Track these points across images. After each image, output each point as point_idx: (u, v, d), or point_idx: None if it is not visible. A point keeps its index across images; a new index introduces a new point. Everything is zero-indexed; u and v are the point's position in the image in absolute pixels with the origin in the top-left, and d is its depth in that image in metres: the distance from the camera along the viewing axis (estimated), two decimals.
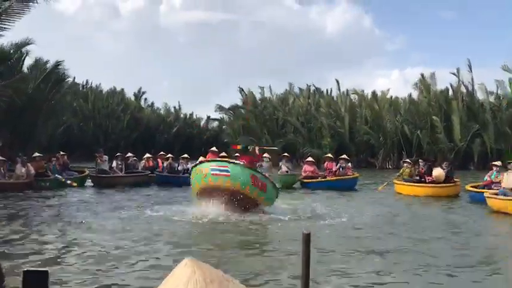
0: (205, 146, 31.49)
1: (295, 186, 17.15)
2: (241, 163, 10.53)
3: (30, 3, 16.21)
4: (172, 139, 42.39)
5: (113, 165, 17.75)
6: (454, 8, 71.85)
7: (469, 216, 11.09)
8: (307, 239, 0.97)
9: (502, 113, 30.20)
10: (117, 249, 7.01)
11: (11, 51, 21.17)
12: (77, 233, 8.20)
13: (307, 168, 17.72)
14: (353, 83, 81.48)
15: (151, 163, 18.82)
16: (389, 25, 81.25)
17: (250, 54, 74.48)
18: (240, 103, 38.30)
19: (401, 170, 17.13)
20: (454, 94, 31.41)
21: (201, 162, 11.06)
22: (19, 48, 21.71)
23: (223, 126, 43.11)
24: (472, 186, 13.94)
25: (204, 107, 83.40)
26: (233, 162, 10.47)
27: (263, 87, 37.90)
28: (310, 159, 18.53)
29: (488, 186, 13.25)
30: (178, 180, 16.95)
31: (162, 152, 19.99)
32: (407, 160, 17.93)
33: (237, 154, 15.10)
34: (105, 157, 17.89)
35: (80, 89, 39.75)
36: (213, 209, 10.21)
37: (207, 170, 10.22)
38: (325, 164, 17.84)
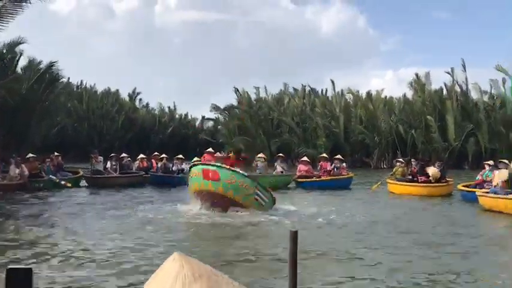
0: (201, 147, 31.44)
1: (290, 186, 17.17)
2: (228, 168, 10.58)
3: (23, 3, 16.16)
4: (167, 140, 42.26)
5: (107, 166, 17.72)
6: (448, 8, 72.19)
7: (461, 214, 11.20)
8: (294, 237, 0.97)
9: (495, 113, 30.37)
10: (108, 248, 7.02)
11: (4, 51, 21.05)
12: (68, 232, 8.18)
13: (302, 168, 17.75)
14: (348, 83, 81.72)
15: (145, 164, 18.77)
16: (384, 25, 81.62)
17: (245, 54, 74.48)
18: (235, 103, 38.29)
19: (394, 170, 17.21)
20: (448, 94, 31.54)
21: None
22: (12, 48, 21.59)
23: (219, 127, 43.06)
24: (464, 186, 14.02)
25: (199, 107, 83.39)
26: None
27: (258, 88, 37.94)
28: (305, 158, 18.55)
29: (480, 185, 13.35)
30: (172, 181, 16.93)
31: (156, 153, 19.96)
32: (400, 160, 18.02)
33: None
34: (100, 158, 17.87)
35: (74, 89, 39.58)
36: (205, 209, 10.31)
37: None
38: (320, 164, 17.88)
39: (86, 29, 71.85)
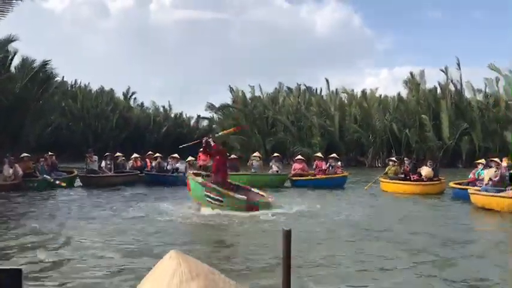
0: (196, 146, 31.35)
1: (285, 185, 17.19)
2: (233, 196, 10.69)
3: (13, 1, 16.03)
4: (162, 139, 42.16)
5: (102, 165, 17.68)
6: (443, 7, 72.37)
7: (454, 213, 11.26)
8: (287, 235, 0.97)
9: (489, 111, 30.52)
10: (102, 247, 7.01)
11: None
12: (62, 232, 8.16)
13: (296, 167, 17.77)
14: (342, 82, 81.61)
15: (139, 163, 18.73)
16: (379, 24, 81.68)
17: (240, 53, 74.37)
18: (230, 102, 38.25)
19: (387, 169, 17.28)
20: (443, 92, 31.66)
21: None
22: (4, 46, 21.45)
23: (213, 126, 42.98)
24: (456, 183, 14.10)
25: (194, 106, 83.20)
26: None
27: (253, 86, 37.93)
28: (299, 157, 18.57)
29: (472, 183, 13.45)
30: (167, 180, 16.91)
31: (150, 152, 19.90)
32: (392, 159, 18.08)
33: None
34: (95, 157, 17.81)
35: (69, 88, 39.38)
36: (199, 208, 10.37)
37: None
38: (315, 163, 17.91)
39: (80, 27, 71.53)
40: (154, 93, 77.70)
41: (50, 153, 17.68)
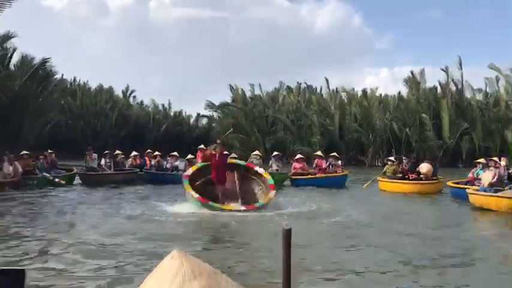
0: (195, 144, 31.38)
1: (285, 184, 17.18)
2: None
3: None
4: (161, 137, 42.20)
5: (101, 163, 17.67)
6: (442, 6, 72.45)
7: (451, 212, 11.28)
8: (287, 235, 0.95)
9: (489, 111, 30.53)
10: (102, 246, 6.97)
11: None
12: (61, 231, 8.11)
13: (296, 166, 17.75)
14: (342, 81, 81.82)
15: (138, 161, 18.72)
16: (379, 24, 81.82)
17: (240, 51, 74.43)
18: (230, 101, 38.27)
19: (385, 168, 17.27)
20: (443, 92, 31.66)
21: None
22: (3, 43, 21.43)
23: (213, 124, 43.03)
24: (454, 183, 14.09)
25: (193, 105, 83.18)
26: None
27: (253, 84, 37.93)
28: (299, 156, 18.57)
29: (471, 182, 13.43)
30: (166, 178, 16.89)
31: (149, 150, 19.89)
32: (391, 158, 18.02)
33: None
34: (95, 155, 17.81)
35: (68, 86, 39.37)
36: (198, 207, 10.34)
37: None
38: (315, 162, 17.90)
39: (79, 25, 71.56)
40: (154, 92, 77.70)
41: (49, 150, 17.68)
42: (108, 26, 73.88)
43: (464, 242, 7.85)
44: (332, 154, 18.15)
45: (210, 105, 38.35)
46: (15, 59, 23.24)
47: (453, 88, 31.66)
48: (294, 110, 35.09)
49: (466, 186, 12.85)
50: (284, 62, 68.77)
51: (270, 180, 11.60)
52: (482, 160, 14.31)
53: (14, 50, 22.96)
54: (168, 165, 18.13)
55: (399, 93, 34.35)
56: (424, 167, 15.05)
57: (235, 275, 5.36)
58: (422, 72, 32.47)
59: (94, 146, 20.76)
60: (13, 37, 21.81)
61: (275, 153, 19.06)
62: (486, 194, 11.18)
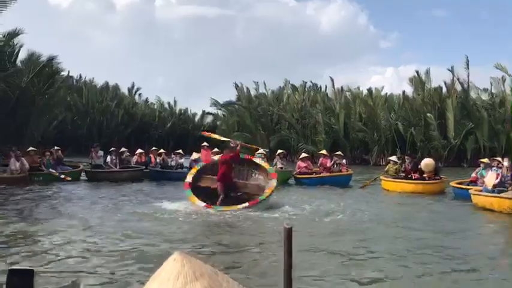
0: (200, 142, 31.44)
1: (290, 182, 17.19)
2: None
3: None
4: (166, 135, 42.25)
5: (107, 160, 17.76)
6: (448, 5, 71.97)
7: (454, 213, 11.23)
8: (289, 234, 0.99)
9: (495, 111, 30.33)
10: (104, 246, 7.02)
11: (3, 43, 20.98)
12: (64, 230, 8.16)
13: (301, 164, 17.75)
14: (347, 80, 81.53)
15: (143, 158, 18.79)
16: (385, 22, 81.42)
17: (245, 49, 74.32)
18: (235, 99, 38.24)
19: (387, 168, 17.24)
20: (448, 91, 31.47)
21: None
22: (10, 39, 21.51)
23: (218, 122, 43.01)
24: (458, 183, 14.04)
25: (199, 103, 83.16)
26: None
27: (257, 82, 37.85)
28: (304, 155, 18.57)
29: (474, 183, 13.39)
30: (171, 176, 16.95)
31: (154, 148, 19.96)
32: (392, 159, 17.95)
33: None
34: (101, 152, 17.91)
35: (74, 83, 39.45)
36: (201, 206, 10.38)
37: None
38: (320, 160, 17.89)
39: (85, 22, 71.70)
40: (159, 89, 77.99)
41: (56, 147, 17.79)
42: (114, 23, 74.03)
43: (466, 242, 7.88)
44: (337, 153, 18.14)
45: (215, 103, 38.34)
46: (21, 55, 23.34)
47: (459, 88, 31.46)
48: (299, 109, 35.01)
49: (468, 187, 12.82)
50: (289, 61, 68.67)
51: (270, 169, 11.94)
52: (485, 160, 14.26)
53: (21, 46, 23.04)
54: (173, 163, 18.21)
55: (404, 92, 34.20)
56: (425, 161, 15.05)
57: (236, 275, 5.40)
58: (427, 72, 32.29)
59: (99, 143, 20.84)
60: (20, 34, 21.90)
61: (279, 151, 19.06)
62: (489, 194, 11.16)
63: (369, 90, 33.91)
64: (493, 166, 12.29)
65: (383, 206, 12.15)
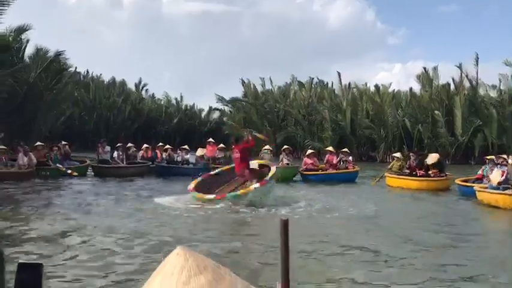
0: (206, 138, 31.54)
1: (296, 179, 17.19)
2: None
3: None
4: (173, 130, 42.36)
5: (114, 156, 17.85)
6: (457, 1, 71.44)
7: (458, 209, 11.22)
8: (285, 225, 0.98)
9: (504, 108, 30.09)
10: (108, 241, 7.04)
11: (11, 38, 21.10)
12: (72, 225, 8.19)
13: (307, 161, 17.75)
14: (354, 76, 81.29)
15: (150, 154, 18.88)
16: (392, 18, 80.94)
17: (251, 46, 74.25)
18: (241, 95, 38.26)
19: (391, 164, 17.19)
20: (456, 88, 31.27)
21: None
22: (18, 34, 21.63)
23: (224, 118, 43.05)
24: (463, 180, 14.00)
25: (205, 99, 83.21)
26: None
27: (263, 78, 37.80)
28: (310, 151, 18.55)
29: (479, 180, 13.34)
30: (177, 171, 17.02)
31: (160, 143, 20.06)
32: (396, 155, 17.93)
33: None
34: (108, 147, 18.00)
35: (81, 79, 39.63)
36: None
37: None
38: (326, 157, 17.87)
39: (92, 18, 71.92)
40: (165, 85, 78.14)
41: (63, 142, 17.90)
42: (121, 19, 74.21)
43: (471, 238, 7.84)
44: (343, 150, 18.11)
45: (221, 100, 38.36)
46: (29, 50, 23.47)
47: (467, 85, 31.24)
48: (306, 105, 34.94)
49: (473, 185, 12.79)
50: (295, 57, 68.55)
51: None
52: (492, 157, 14.20)
53: (27, 41, 23.16)
54: (179, 158, 18.27)
55: (411, 89, 34.04)
56: (431, 155, 15.10)
57: (239, 270, 5.41)
58: (435, 69, 32.10)
59: (106, 139, 20.96)
60: (28, 29, 22.00)
61: (285, 147, 19.06)
62: (494, 191, 11.15)
63: (376, 86, 33.79)
64: (498, 163, 12.25)
65: (388, 202, 12.13)
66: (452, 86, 31.78)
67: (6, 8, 16.75)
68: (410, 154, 16.98)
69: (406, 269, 5.90)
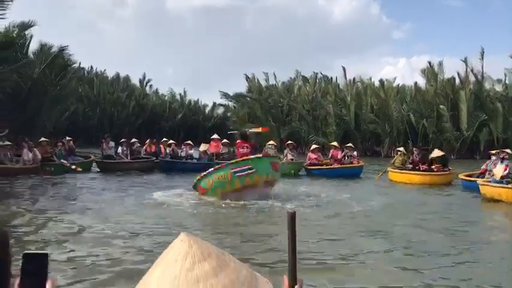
0: (210, 134, 31.59)
1: (300, 174, 17.19)
2: (261, 156, 11.10)
3: None
4: (177, 126, 42.44)
5: (118, 151, 17.91)
6: None
7: (462, 203, 11.22)
8: (292, 218, 0.96)
9: (509, 102, 29.92)
10: (114, 233, 7.08)
11: (15, 35, 21.13)
12: (76, 219, 8.23)
13: (311, 156, 17.75)
14: (359, 71, 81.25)
15: (153, 148, 18.93)
16: (397, 13, 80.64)
17: (255, 40, 74.18)
18: (245, 90, 38.25)
19: (394, 159, 17.16)
20: (462, 83, 31.12)
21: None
22: (22, 31, 21.66)
23: (228, 114, 43.11)
24: (467, 175, 14.01)
25: (209, 94, 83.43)
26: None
27: (267, 73, 37.77)
28: (314, 146, 18.55)
29: (483, 175, 13.33)
30: (181, 166, 17.05)
31: (164, 139, 20.09)
32: (399, 149, 17.94)
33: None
34: (112, 143, 18.05)
35: (85, 74, 39.73)
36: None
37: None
38: (331, 152, 17.87)
39: (96, 14, 72.01)
40: (169, 81, 78.19)
41: (67, 138, 17.95)
42: (125, 15, 74.26)
43: (474, 231, 7.84)
44: (348, 145, 18.08)
45: (225, 95, 38.37)
46: (33, 46, 23.50)
47: (472, 79, 31.08)
48: (310, 100, 34.89)
49: (477, 179, 12.78)
50: (300, 52, 68.45)
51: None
52: (495, 152, 14.17)
53: (31, 37, 23.20)
54: (183, 154, 18.30)
55: (416, 83, 33.89)
56: (435, 151, 15.19)
57: (244, 261, 5.41)
58: (440, 64, 31.94)
59: (110, 134, 21.02)
60: (33, 26, 22.02)
61: (289, 142, 19.05)
62: (497, 185, 11.17)
63: (381, 81, 33.68)
64: (502, 158, 12.26)
65: (392, 197, 12.08)
66: (457, 80, 31.64)
67: (10, 3, 16.74)
68: (413, 149, 16.96)
69: (410, 262, 5.87)
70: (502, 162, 12.07)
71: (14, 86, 20.39)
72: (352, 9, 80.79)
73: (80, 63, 32.79)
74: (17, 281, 0.85)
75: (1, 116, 19.97)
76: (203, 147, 18.23)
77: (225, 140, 19.22)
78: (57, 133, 24.07)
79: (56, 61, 23.47)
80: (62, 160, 16.16)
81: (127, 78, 42.40)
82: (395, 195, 12.41)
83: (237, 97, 38.12)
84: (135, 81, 43.30)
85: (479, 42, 77.67)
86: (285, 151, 18.17)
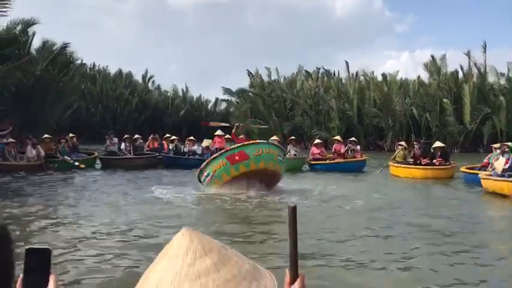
0: (213, 129, 31.54)
1: (303, 169, 17.18)
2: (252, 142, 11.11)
3: None
4: (179, 122, 42.44)
5: (121, 147, 17.93)
6: None
7: (464, 196, 11.21)
8: (293, 212, 0.95)
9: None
10: (117, 231, 7.09)
11: (17, 32, 21.14)
12: (80, 215, 8.26)
13: (314, 151, 17.72)
14: (362, 64, 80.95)
15: (156, 144, 18.94)
16: (400, 6, 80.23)
17: (258, 35, 74.01)
18: (248, 85, 38.20)
19: (396, 153, 17.12)
20: (465, 76, 30.99)
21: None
22: (25, 28, 21.68)
23: (231, 109, 43.08)
24: (468, 168, 13.99)
25: (211, 90, 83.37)
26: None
27: (269, 68, 37.70)
28: (317, 141, 18.53)
29: (484, 168, 13.31)
30: (184, 162, 17.05)
31: (167, 135, 20.11)
32: (401, 143, 17.89)
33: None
34: (115, 139, 18.07)
35: (88, 71, 39.72)
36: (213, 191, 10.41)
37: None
38: (334, 147, 17.84)
39: (98, 11, 71.94)
40: (172, 76, 78.15)
41: (71, 134, 17.98)
42: (127, 11, 74.16)
43: (477, 226, 7.82)
44: (351, 139, 18.05)
45: (228, 91, 38.32)
46: (35, 43, 23.52)
47: (475, 72, 30.94)
48: (312, 95, 34.84)
49: (478, 172, 12.75)
50: (302, 46, 68.23)
51: None
52: (497, 145, 14.14)
53: (34, 34, 23.20)
54: (186, 150, 18.30)
55: (419, 77, 33.76)
56: (436, 143, 15.29)
57: (246, 254, 5.42)
58: (443, 57, 31.81)
59: (113, 131, 21.04)
60: (35, 23, 22.03)
61: (292, 137, 19.03)
62: (499, 178, 11.13)
63: (384, 75, 33.57)
64: (503, 151, 12.21)
65: (395, 191, 12.06)
66: (460, 74, 31.51)
67: (11, 0, 16.71)
68: (414, 143, 16.93)
69: (414, 256, 5.87)
70: (503, 155, 12.02)
71: (17, 83, 20.42)
72: (354, 3, 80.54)
73: (82, 59, 32.84)
74: (20, 276, 0.85)
75: (5, 114, 20.02)
76: (206, 142, 18.21)
77: (227, 136, 19.20)
78: (60, 130, 24.11)
79: (59, 58, 23.49)
80: (65, 157, 16.19)
81: (129, 75, 42.41)
82: (397, 190, 12.40)
83: (240, 92, 38.08)
84: (137, 77, 43.35)
85: (482, 35, 77.33)
86: (288, 147, 18.15)
